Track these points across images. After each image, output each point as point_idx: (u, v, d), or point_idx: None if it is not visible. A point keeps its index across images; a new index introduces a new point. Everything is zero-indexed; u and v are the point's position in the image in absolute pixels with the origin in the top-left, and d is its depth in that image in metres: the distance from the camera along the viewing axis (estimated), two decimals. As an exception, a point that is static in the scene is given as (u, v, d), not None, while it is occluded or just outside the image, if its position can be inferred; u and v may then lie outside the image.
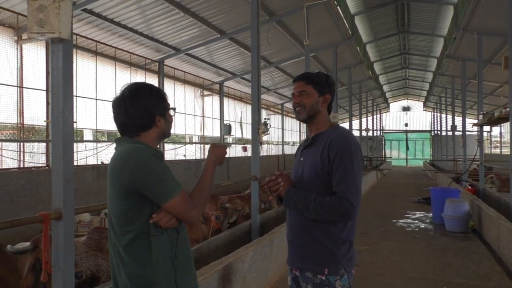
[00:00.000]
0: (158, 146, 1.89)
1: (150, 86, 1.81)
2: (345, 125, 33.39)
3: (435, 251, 6.28)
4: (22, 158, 7.98)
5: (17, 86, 7.91)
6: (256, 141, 6.48)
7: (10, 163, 8.03)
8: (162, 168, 1.62)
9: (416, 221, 8.77)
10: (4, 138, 8.36)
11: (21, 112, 7.99)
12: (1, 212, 6.76)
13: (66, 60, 2.88)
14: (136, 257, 1.60)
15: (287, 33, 12.30)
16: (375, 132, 32.43)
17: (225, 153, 1.88)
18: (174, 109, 1.85)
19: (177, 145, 13.80)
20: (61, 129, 2.81)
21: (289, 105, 24.49)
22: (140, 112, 1.70)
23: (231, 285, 3.70)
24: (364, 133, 25.73)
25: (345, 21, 12.46)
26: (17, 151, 7.95)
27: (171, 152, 13.25)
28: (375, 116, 31.94)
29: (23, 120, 7.98)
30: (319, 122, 2.14)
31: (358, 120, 24.27)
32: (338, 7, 11.29)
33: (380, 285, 4.78)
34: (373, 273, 5.17)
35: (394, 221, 8.80)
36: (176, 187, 1.61)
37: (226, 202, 7.04)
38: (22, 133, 8.02)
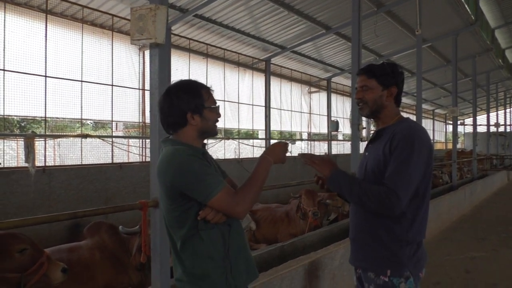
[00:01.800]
0: (205, 143, 1.88)
1: (188, 83, 1.80)
2: (469, 121, 30.24)
3: None
4: (144, 153, 8.96)
5: (139, 89, 8.90)
6: (356, 138, 6.32)
7: (137, 158, 9.08)
8: (202, 168, 1.63)
9: (551, 230, 7.58)
10: (130, 135, 9.48)
11: (143, 112, 8.98)
12: (125, 200, 7.71)
13: (162, 63, 3.17)
14: (190, 252, 1.67)
15: (398, 23, 11.60)
16: (508, 127, 28.71)
17: (284, 150, 1.81)
18: (217, 106, 1.81)
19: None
20: (157, 126, 3.10)
21: (404, 100, 23.06)
22: (170, 109, 1.73)
23: (318, 281, 3.68)
24: (493, 129, 22.96)
25: (466, 5, 11.26)
26: (139, 147, 8.96)
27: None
28: (508, 110, 28.25)
29: (145, 119, 8.95)
30: (385, 116, 2.02)
31: (486, 115, 21.68)
32: (456, -9, 10.27)
33: (492, 298, 4.27)
34: (485, 282, 4.64)
35: (521, 228, 7.74)
36: (218, 185, 1.61)
37: (326, 198, 6.94)
38: (144, 131, 9.00)
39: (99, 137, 8.12)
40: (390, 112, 2.03)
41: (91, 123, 12.53)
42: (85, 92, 7.83)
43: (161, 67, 3.16)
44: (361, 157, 2.18)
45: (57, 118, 7.70)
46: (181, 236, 1.67)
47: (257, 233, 6.67)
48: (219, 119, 1.84)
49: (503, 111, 26.45)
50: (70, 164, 7.77)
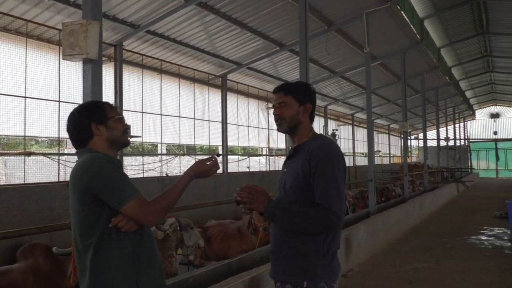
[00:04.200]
0: (118, 155, 1.97)
1: (89, 101, 2.00)
2: (420, 135, 31.46)
3: (505, 272, 5.65)
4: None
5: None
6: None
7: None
8: (118, 175, 1.69)
9: (492, 238, 7.98)
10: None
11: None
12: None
13: (95, 79, 3.12)
14: (98, 262, 1.67)
15: (349, 41, 12.03)
16: (458, 141, 30.16)
17: (209, 168, 1.86)
18: (121, 117, 1.90)
19: (240, 158, 14.04)
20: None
21: (360, 115, 23.77)
22: (75, 126, 1.83)
23: (259, 297, 3.66)
24: (444, 143, 24.03)
25: (411, 26, 11.86)
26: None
27: (234, 164, 13.50)
28: (457, 125, 29.74)
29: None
30: (301, 132, 2.10)
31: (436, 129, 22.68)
32: (402, 12, 10.79)
33: (431, 307, 4.41)
34: (425, 293, 4.79)
35: (465, 237, 8.09)
36: (132, 192, 1.66)
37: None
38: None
39: (43, 154, 7.80)
40: (305, 129, 2.10)
41: (46, 140, 12.01)
42: (29, 109, 7.53)
43: (94, 82, 3.11)
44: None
45: (-1, 135, 7.35)
46: (90, 245, 1.67)
47: (208, 250, 6.57)
48: (129, 130, 1.94)
49: (453, 126, 27.76)
50: (12, 183, 7.39)
